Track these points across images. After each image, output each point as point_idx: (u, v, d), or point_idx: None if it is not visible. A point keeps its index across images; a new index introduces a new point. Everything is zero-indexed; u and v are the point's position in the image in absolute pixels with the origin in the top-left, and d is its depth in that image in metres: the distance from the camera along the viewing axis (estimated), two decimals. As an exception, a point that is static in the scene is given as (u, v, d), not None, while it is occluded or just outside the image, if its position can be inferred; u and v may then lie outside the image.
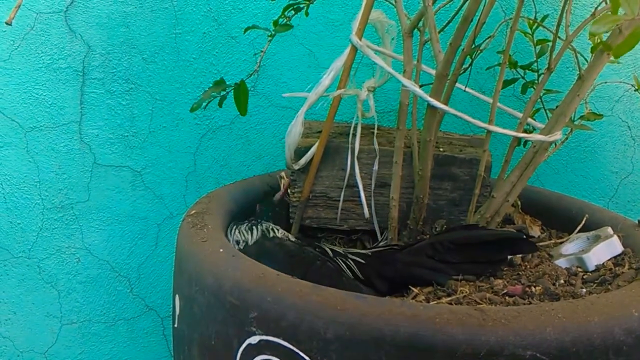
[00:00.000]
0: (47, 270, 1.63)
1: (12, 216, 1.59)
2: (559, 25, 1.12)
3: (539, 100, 1.32)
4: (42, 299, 1.65)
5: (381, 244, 1.25)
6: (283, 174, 1.33)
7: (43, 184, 1.58)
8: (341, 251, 1.17)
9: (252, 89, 1.60)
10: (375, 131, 1.31)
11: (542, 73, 1.20)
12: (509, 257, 1.14)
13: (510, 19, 1.11)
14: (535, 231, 1.34)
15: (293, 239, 1.16)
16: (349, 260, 1.14)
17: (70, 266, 1.64)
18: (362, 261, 1.14)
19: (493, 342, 0.81)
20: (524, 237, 1.16)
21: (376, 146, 1.27)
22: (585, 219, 1.27)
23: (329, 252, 1.16)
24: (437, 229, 1.25)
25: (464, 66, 1.14)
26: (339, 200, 1.29)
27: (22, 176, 1.57)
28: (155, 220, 1.65)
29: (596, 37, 1.04)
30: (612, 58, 1.10)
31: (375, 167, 1.27)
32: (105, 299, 1.67)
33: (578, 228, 1.26)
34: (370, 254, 1.17)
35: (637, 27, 0.67)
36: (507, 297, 1.01)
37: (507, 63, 1.30)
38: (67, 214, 1.61)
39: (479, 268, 1.10)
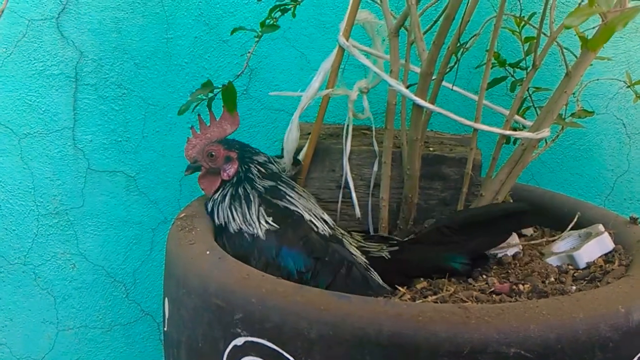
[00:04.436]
0: (43, 277, 1.63)
1: (7, 223, 1.60)
2: (542, 21, 1.12)
3: (529, 98, 1.32)
4: (39, 305, 1.65)
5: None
6: None
7: (37, 190, 1.59)
8: (362, 262, 1.11)
9: (244, 92, 1.60)
10: (373, 132, 1.30)
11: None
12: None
13: (495, 17, 1.11)
14: (528, 230, 1.33)
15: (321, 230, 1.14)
16: (372, 273, 1.10)
17: (65, 272, 1.64)
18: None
19: (476, 340, 0.81)
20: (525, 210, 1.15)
21: (376, 147, 1.27)
22: (577, 216, 1.26)
23: (358, 259, 1.12)
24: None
25: (449, 65, 1.14)
26: (330, 202, 1.29)
27: (16, 183, 1.58)
28: (150, 225, 1.65)
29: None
30: (598, 54, 1.09)
31: (373, 169, 1.27)
32: (101, 304, 1.67)
33: (570, 226, 1.25)
34: (387, 257, 1.14)
35: (611, 21, 0.66)
36: (494, 295, 1.00)
37: (496, 61, 1.29)
38: (62, 220, 1.61)
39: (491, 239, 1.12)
